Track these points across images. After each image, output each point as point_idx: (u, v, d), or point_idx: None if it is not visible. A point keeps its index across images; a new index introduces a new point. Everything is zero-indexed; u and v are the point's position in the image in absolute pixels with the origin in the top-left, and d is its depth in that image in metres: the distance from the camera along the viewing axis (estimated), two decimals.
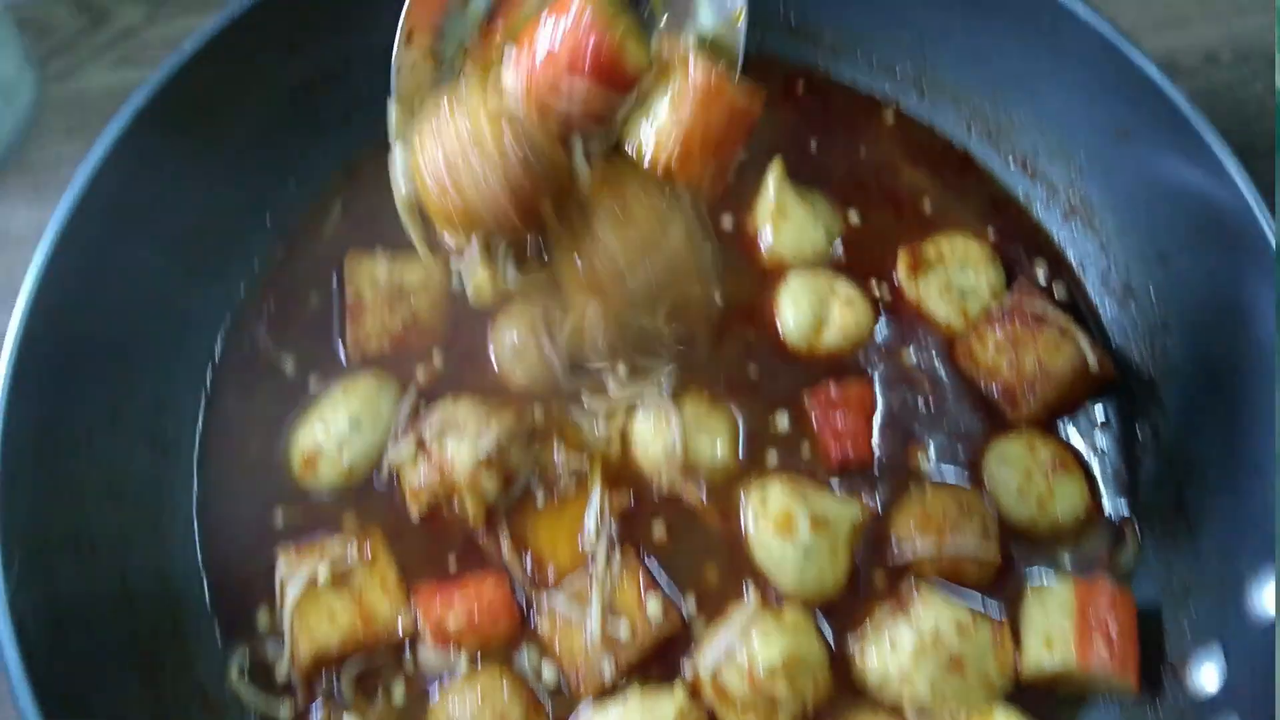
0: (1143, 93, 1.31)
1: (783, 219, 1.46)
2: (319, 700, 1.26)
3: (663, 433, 1.34)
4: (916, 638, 1.22)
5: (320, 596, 1.27)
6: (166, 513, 1.34)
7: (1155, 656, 1.24)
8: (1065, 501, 1.32)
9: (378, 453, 1.35)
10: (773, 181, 1.47)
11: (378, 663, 1.28)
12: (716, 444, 1.35)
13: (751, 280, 1.46)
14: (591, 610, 1.25)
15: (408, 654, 1.28)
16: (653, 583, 1.28)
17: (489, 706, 1.22)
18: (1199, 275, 1.33)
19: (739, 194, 1.50)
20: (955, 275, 1.44)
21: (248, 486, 1.35)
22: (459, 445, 1.30)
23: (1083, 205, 1.47)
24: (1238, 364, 1.27)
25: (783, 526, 1.27)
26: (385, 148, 1.45)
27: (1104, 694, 1.26)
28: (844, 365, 1.42)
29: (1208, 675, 1.18)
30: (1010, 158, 1.53)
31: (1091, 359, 1.34)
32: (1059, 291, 1.46)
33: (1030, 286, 1.41)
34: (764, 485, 1.32)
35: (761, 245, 1.47)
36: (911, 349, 1.43)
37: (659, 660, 1.26)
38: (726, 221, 1.49)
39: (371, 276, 1.42)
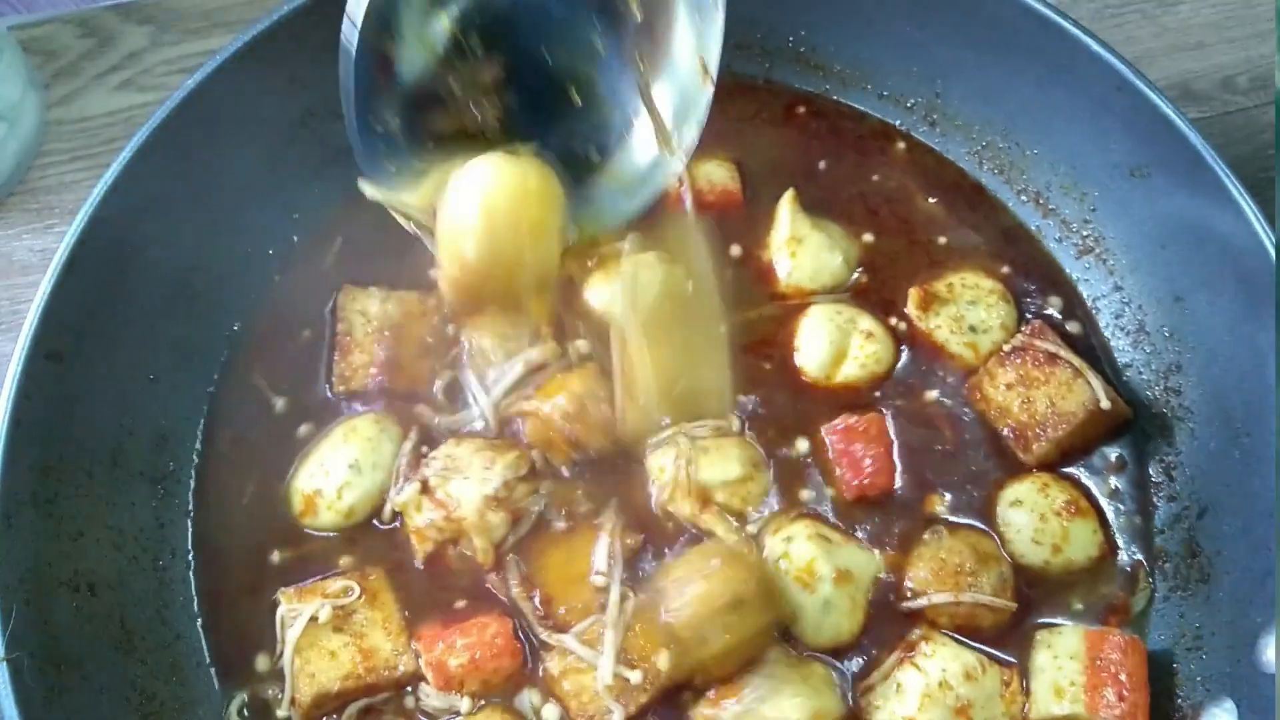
0: (1157, 129, 1.29)
1: (799, 246, 1.45)
2: None
3: (680, 465, 1.32)
4: (924, 684, 1.21)
5: (321, 637, 1.25)
6: (165, 553, 1.32)
7: (1166, 705, 1.22)
8: (1078, 545, 1.30)
9: (379, 494, 1.33)
10: (786, 211, 1.46)
11: (380, 704, 1.26)
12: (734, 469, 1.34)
13: (769, 311, 1.44)
14: (604, 654, 1.22)
15: (409, 695, 1.27)
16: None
17: None
18: (1215, 315, 1.31)
19: (750, 223, 1.48)
20: (966, 312, 1.42)
21: (246, 526, 1.34)
22: (464, 486, 1.29)
23: (1096, 243, 1.45)
24: (1253, 407, 1.25)
25: (806, 577, 1.25)
26: None
27: None
28: (860, 401, 1.40)
29: None
30: (1023, 193, 1.51)
31: (1104, 400, 1.32)
32: (1073, 329, 1.44)
33: (1043, 325, 1.39)
34: (788, 532, 1.30)
35: (780, 275, 1.45)
36: (929, 387, 1.40)
37: (667, 705, 1.24)
38: (735, 250, 1.48)
39: (364, 310, 1.41)
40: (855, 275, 1.46)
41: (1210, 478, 1.31)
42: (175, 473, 1.36)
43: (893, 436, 1.38)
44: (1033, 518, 1.30)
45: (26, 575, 1.14)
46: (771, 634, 1.25)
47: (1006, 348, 1.38)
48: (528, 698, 1.26)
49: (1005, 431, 1.36)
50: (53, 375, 1.22)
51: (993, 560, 1.29)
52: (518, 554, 1.31)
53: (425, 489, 1.31)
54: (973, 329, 1.41)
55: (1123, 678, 1.20)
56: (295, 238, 1.48)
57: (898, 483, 1.35)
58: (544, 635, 1.27)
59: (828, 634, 1.26)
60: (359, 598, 1.28)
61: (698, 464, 1.32)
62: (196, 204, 1.36)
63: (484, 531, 1.29)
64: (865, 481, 1.34)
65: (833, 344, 1.39)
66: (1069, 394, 1.34)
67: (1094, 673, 1.21)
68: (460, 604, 1.30)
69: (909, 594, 1.28)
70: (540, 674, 1.26)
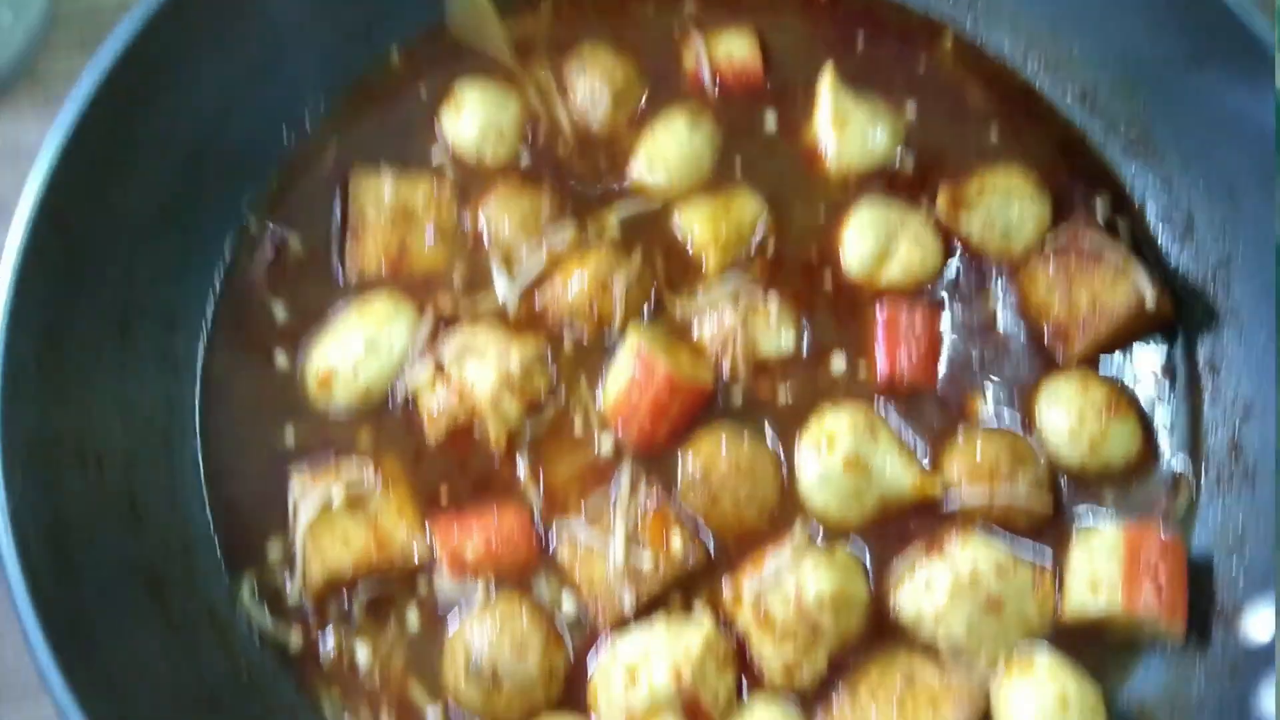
0: (1214, 18, 1.23)
1: (844, 124, 1.38)
2: (330, 626, 1.24)
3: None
4: (953, 578, 1.19)
5: (334, 519, 1.24)
6: (175, 432, 1.30)
7: (1206, 605, 1.20)
8: (1118, 444, 1.27)
9: (394, 374, 1.30)
10: (827, 88, 1.39)
11: (391, 589, 1.25)
12: (781, 335, 1.31)
13: (818, 199, 1.39)
14: (614, 539, 1.21)
15: (421, 582, 1.25)
16: (678, 518, 1.24)
17: (508, 634, 1.19)
18: (1268, 209, 1.26)
19: (791, 104, 1.42)
20: (997, 211, 1.36)
21: (258, 409, 1.31)
22: (480, 368, 1.26)
23: (1146, 140, 1.39)
24: None
25: (851, 465, 1.23)
26: (407, 59, 1.43)
27: (1150, 642, 1.21)
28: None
29: (1260, 625, 1.13)
30: (1070, 91, 1.44)
31: (1150, 297, 1.28)
32: (1120, 228, 1.38)
33: (1087, 221, 1.34)
34: (826, 417, 1.27)
35: (826, 158, 1.39)
36: (974, 288, 1.36)
37: (681, 593, 1.24)
38: (769, 122, 1.42)
39: (376, 195, 1.36)
40: (900, 153, 1.40)
41: (1257, 376, 1.27)
42: (184, 352, 1.33)
43: (941, 330, 1.34)
44: (1071, 416, 1.27)
45: (33, 441, 1.11)
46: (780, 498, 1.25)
47: (1050, 245, 1.33)
48: (545, 586, 1.25)
49: (1046, 330, 1.32)
50: (59, 244, 1.17)
51: (1029, 461, 1.26)
52: (532, 446, 1.29)
53: (440, 370, 1.28)
54: (1005, 229, 1.36)
55: (1161, 574, 1.18)
56: (307, 119, 1.43)
57: (940, 374, 1.32)
58: (554, 522, 1.25)
59: (854, 521, 1.24)
60: (374, 482, 1.26)
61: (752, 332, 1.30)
62: (206, 80, 1.31)
63: (498, 416, 1.26)
64: (905, 364, 1.30)
65: (878, 244, 1.34)
66: (1113, 291, 1.29)
67: (1132, 569, 1.18)
68: (475, 490, 1.28)
69: (943, 496, 1.25)
70: (555, 562, 1.24)
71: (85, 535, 1.14)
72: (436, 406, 1.27)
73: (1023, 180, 1.38)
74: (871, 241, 1.34)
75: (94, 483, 1.18)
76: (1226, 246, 1.32)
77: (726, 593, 1.22)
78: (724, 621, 1.21)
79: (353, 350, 1.29)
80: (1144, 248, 1.38)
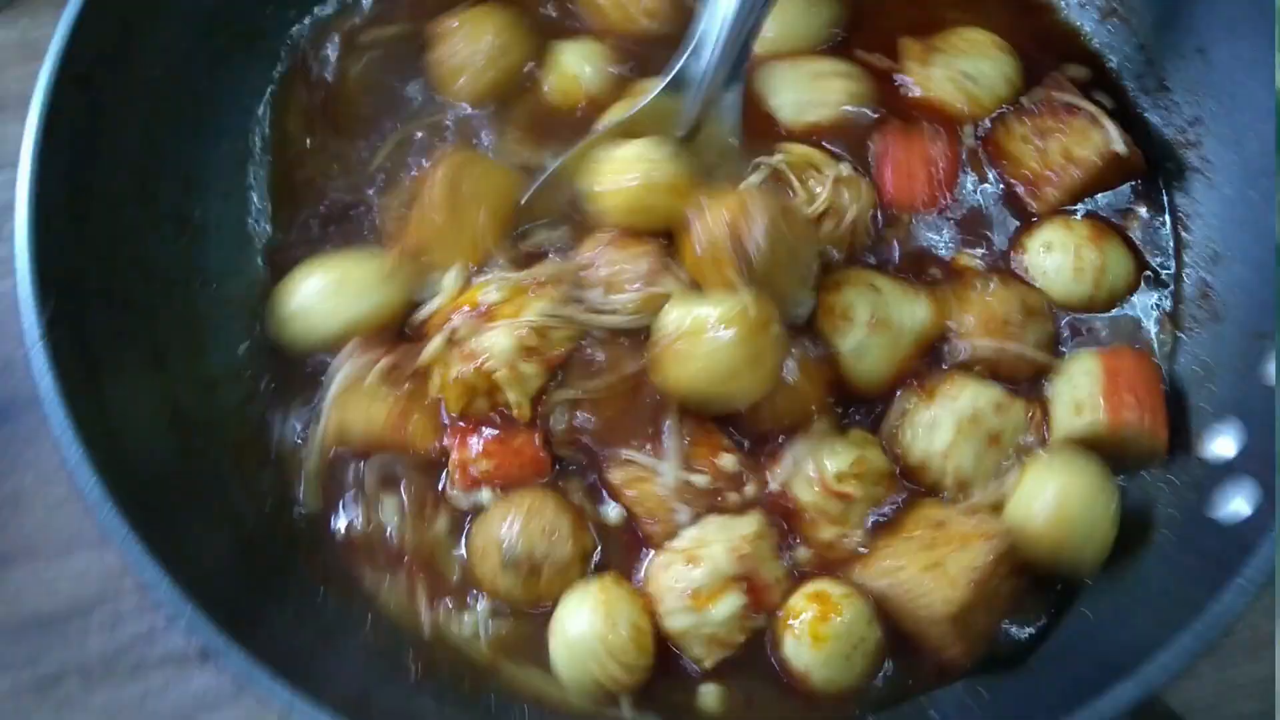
0: None
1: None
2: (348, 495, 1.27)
3: None
4: (956, 419, 1.23)
5: (367, 390, 1.26)
6: (195, 283, 1.35)
7: (1175, 431, 1.25)
8: (1118, 266, 1.32)
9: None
10: None
11: (401, 472, 1.28)
12: None
13: None
14: (667, 460, 1.22)
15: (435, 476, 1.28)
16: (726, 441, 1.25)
17: (536, 521, 1.20)
18: (1235, 64, 1.31)
19: None
20: (965, 63, 1.40)
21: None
22: (494, 333, 1.20)
23: (1121, 4, 1.45)
24: (1269, 149, 1.26)
25: (841, 321, 1.26)
26: None
27: (1132, 465, 1.26)
28: None
29: (1225, 445, 1.19)
30: None
31: (1120, 146, 1.33)
32: (1095, 92, 1.43)
33: (1060, 78, 1.39)
34: (831, 297, 1.28)
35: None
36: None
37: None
38: None
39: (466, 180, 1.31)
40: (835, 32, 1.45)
41: (1224, 222, 1.33)
42: (202, 218, 1.39)
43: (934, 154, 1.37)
44: (1066, 255, 1.31)
45: (62, 275, 1.16)
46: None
47: (1025, 100, 1.38)
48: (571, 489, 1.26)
49: (1018, 184, 1.37)
50: (81, 101, 1.23)
51: (1040, 316, 1.30)
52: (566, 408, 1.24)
53: (452, 340, 1.23)
54: (971, 78, 1.39)
55: (1140, 390, 1.22)
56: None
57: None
58: (603, 453, 1.24)
59: (863, 377, 1.27)
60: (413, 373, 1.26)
61: None
62: None
63: (517, 384, 1.20)
64: (913, 189, 1.35)
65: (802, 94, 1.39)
66: (1084, 141, 1.34)
67: (1112, 387, 1.23)
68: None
69: (951, 344, 1.29)
70: (600, 482, 1.26)
71: (111, 365, 1.19)
72: (453, 381, 1.22)
73: (988, 39, 1.42)
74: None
75: (117, 318, 1.23)
76: (1197, 104, 1.37)
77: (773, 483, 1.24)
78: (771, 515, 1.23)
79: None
80: (1121, 108, 1.42)
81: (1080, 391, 1.24)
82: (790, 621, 1.17)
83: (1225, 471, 1.16)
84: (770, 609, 1.18)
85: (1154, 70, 1.42)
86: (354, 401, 1.26)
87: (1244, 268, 1.29)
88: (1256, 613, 1.00)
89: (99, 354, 1.19)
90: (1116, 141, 1.33)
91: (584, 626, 1.15)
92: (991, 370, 1.28)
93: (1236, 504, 1.10)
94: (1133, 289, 1.35)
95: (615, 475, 1.24)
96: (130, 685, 1.37)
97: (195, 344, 1.32)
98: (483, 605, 1.23)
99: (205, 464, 1.25)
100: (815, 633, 1.15)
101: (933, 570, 1.15)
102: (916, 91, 1.42)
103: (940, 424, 1.23)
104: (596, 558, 1.24)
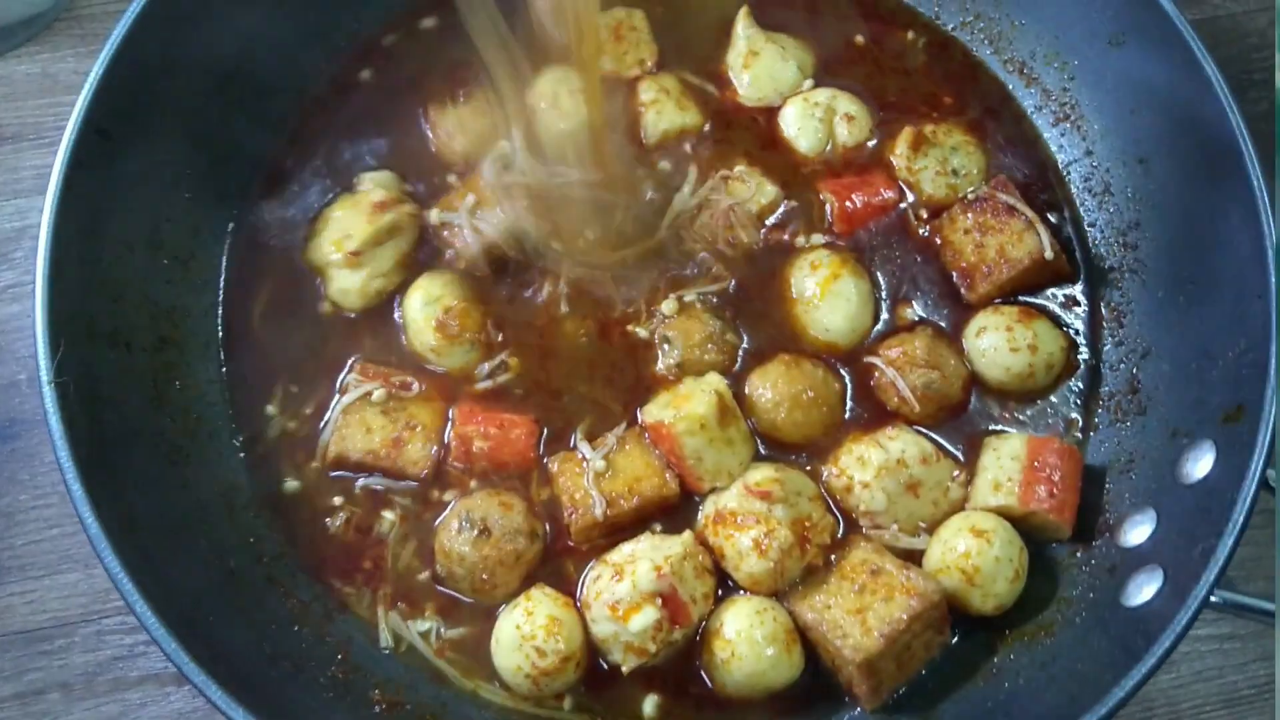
0: (1138, 3, 1.39)
1: (754, 60, 1.57)
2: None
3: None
4: (883, 458, 1.34)
5: (366, 411, 1.39)
6: (198, 341, 1.44)
7: (1095, 514, 1.35)
8: (1051, 342, 1.42)
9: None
10: (741, 27, 1.58)
11: (387, 491, 1.39)
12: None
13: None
14: (594, 458, 1.36)
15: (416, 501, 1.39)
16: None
17: (495, 499, 1.34)
18: (1174, 177, 1.42)
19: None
20: (950, 157, 1.53)
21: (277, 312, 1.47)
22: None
23: (1072, 110, 1.55)
24: (1200, 258, 1.36)
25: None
26: None
27: (1047, 540, 1.37)
28: None
29: (1139, 533, 1.28)
30: (1009, 63, 1.60)
31: (1049, 250, 1.43)
32: (1041, 191, 1.55)
33: (1007, 180, 1.50)
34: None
35: (740, 92, 1.58)
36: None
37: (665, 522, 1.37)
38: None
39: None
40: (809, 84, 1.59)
41: (1155, 321, 1.43)
42: (206, 262, 1.47)
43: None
44: (999, 333, 1.42)
45: (72, 319, 1.25)
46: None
47: (970, 195, 1.50)
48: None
49: (955, 273, 1.48)
50: (102, 150, 1.32)
51: (948, 369, 1.41)
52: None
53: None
54: (955, 172, 1.52)
55: (1056, 479, 1.33)
56: (344, 48, 1.60)
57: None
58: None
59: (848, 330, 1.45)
60: (417, 393, 1.41)
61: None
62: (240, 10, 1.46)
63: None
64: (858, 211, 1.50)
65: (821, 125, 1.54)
66: (1019, 243, 1.45)
67: (1030, 472, 1.34)
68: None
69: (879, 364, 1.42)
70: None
71: (114, 402, 1.28)
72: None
73: (967, 134, 1.56)
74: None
75: (123, 360, 1.32)
76: (1136, 210, 1.48)
77: (700, 517, 1.36)
78: (703, 542, 1.34)
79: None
80: (1066, 210, 1.54)
81: (1003, 473, 1.35)
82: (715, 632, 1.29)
83: (1137, 557, 1.25)
84: (687, 624, 1.28)
85: (1099, 174, 1.53)
86: (355, 421, 1.38)
87: (1170, 366, 1.38)
88: None
89: (103, 392, 1.27)
90: (1047, 249, 1.43)
91: (510, 621, 1.29)
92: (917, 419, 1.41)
93: (1144, 591, 1.20)
94: (1071, 368, 1.45)
95: (553, 464, 1.37)
96: (109, 703, 1.44)
97: (193, 385, 1.41)
98: (433, 620, 1.34)
99: (196, 499, 1.34)
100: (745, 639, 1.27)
101: (856, 615, 1.26)
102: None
103: (868, 460, 1.35)
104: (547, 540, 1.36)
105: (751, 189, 1.50)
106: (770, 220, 1.51)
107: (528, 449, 1.39)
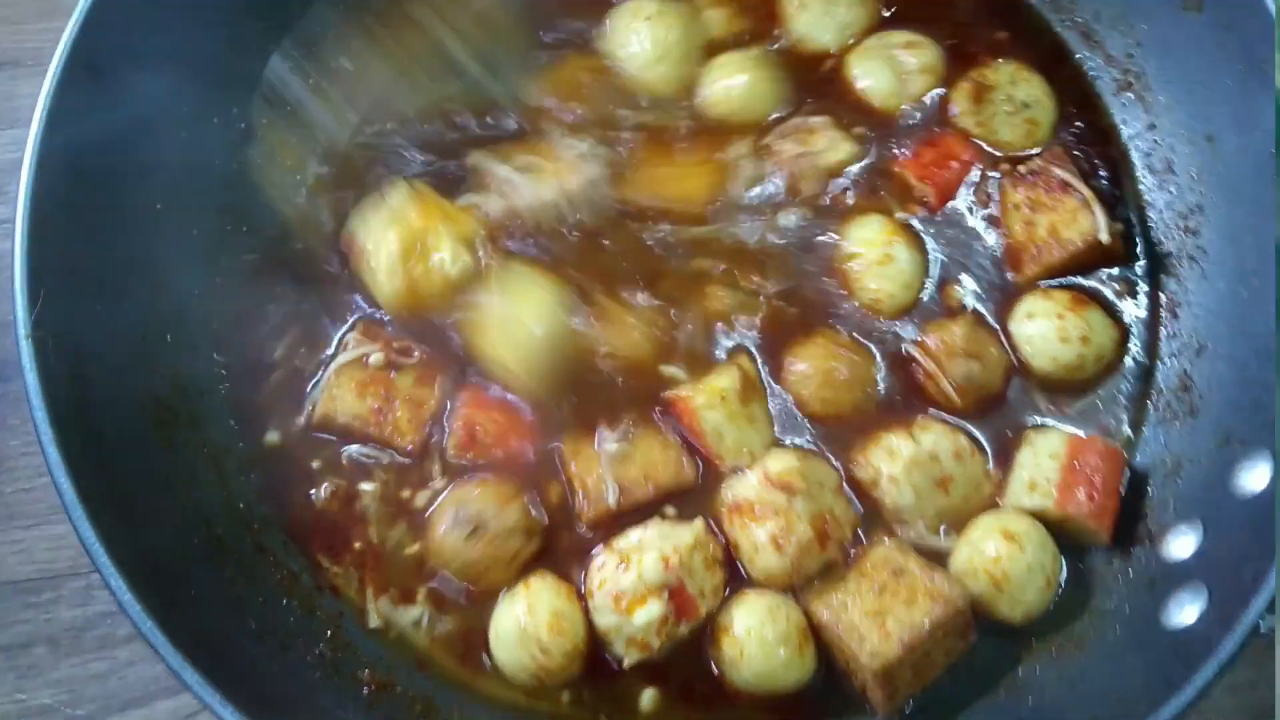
0: None
1: (802, 9, 1.49)
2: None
3: None
4: (914, 450, 1.27)
5: (361, 374, 1.32)
6: (192, 287, 1.37)
7: (1134, 524, 1.27)
8: (1103, 334, 1.34)
9: None
10: None
11: (373, 463, 1.32)
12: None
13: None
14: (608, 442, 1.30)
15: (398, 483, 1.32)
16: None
17: (491, 493, 1.27)
18: (1244, 158, 1.31)
19: None
20: (1014, 92, 1.44)
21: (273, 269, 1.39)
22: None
23: (1137, 79, 1.44)
24: (1266, 250, 1.26)
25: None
26: None
27: (1073, 541, 1.28)
28: None
29: (1183, 544, 1.20)
30: (1070, 22, 1.49)
31: (1105, 235, 1.33)
32: (1101, 164, 1.44)
33: (1063, 151, 1.39)
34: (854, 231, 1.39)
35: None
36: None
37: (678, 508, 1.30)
38: None
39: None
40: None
41: (1214, 317, 1.33)
42: (206, 209, 1.40)
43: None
44: (1050, 321, 1.33)
45: (55, 268, 1.18)
46: None
47: (1023, 169, 1.39)
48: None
49: (1001, 247, 1.39)
50: (89, 89, 1.24)
51: (988, 359, 1.33)
52: None
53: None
54: (1026, 105, 1.43)
55: (1096, 481, 1.25)
56: None
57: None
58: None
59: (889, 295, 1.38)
60: (417, 361, 1.33)
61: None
62: None
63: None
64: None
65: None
66: (1072, 223, 1.35)
67: (1070, 473, 1.26)
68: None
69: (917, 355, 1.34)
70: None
71: (97, 355, 1.21)
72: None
73: (1035, 76, 1.46)
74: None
75: (110, 312, 1.24)
76: (1200, 192, 1.37)
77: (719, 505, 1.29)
78: (717, 531, 1.27)
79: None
80: (1125, 187, 1.43)
81: (1039, 472, 1.28)
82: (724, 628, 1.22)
83: (1180, 573, 1.17)
84: (694, 619, 1.22)
85: (1162, 150, 1.41)
86: (348, 383, 1.32)
87: (1227, 366, 1.29)
88: None
89: (88, 346, 1.20)
90: (1103, 230, 1.33)
91: (511, 615, 1.22)
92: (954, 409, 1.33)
93: (1186, 611, 1.12)
94: (1119, 361, 1.36)
95: (565, 447, 1.31)
96: (95, 660, 1.39)
97: (184, 339, 1.34)
98: (424, 607, 1.28)
99: (183, 461, 1.28)
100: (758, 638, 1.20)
101: (874, 618, 1.19)
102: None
103: (899, 452, 1.27)
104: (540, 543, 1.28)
105: (827, 143, 1.42)
106: (841, 181, 1.42)
107: (535, 433, 1.32)
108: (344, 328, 1.36)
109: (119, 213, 1.29)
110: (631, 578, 1.20)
